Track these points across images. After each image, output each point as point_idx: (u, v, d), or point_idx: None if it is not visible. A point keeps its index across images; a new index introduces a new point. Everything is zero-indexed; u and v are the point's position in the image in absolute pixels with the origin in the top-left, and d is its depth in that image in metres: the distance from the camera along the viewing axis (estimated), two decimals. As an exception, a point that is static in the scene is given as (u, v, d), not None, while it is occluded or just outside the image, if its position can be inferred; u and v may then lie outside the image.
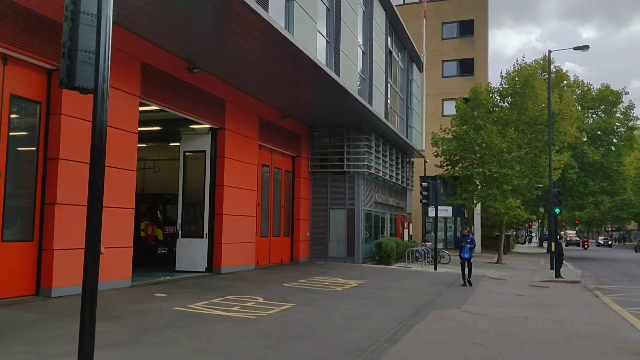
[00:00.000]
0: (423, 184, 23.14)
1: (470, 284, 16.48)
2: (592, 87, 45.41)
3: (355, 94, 18.71)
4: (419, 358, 7.11)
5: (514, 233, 66.50)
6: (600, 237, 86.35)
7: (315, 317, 9.72)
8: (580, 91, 45.76)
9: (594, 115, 44.60)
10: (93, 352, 4.48)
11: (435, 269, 21.37)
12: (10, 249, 9.93)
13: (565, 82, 45.71)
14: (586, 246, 68.09)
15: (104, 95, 4.59)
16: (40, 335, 7.14)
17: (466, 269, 16.62)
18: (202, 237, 16.28)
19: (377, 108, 23.07)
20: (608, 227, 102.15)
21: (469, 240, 16.88)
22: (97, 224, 4.53)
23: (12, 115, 10.04)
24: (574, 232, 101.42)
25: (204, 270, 15.99)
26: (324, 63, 17.30)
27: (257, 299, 11.37)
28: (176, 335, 7.61)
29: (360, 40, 22.00)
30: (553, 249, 22.06)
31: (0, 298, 9.54)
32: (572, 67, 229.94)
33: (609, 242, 78.99)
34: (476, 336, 8.78)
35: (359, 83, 22.00)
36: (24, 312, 8.71)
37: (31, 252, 10.37)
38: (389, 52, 26.68)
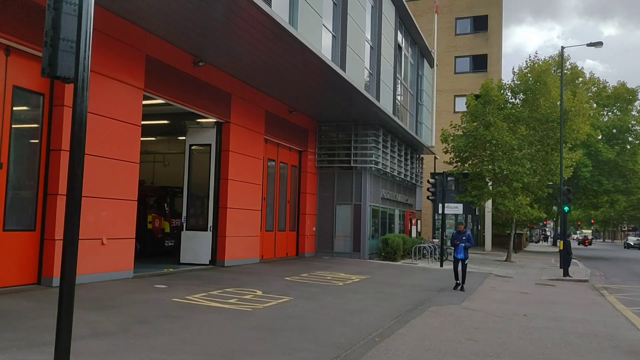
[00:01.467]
0: (430, 180, 23.02)
1: (463, 289, 14.25)
2: (607, 84, 44.74)
3: (361, 89, 18.65)
4: (408, 353, 7.07)
5: (528, 232, 65.96)
6: (631, 237, 74.12)
7: (311, 310, 9.73)
8: (595, 89, 45.13)
9: (609, 113, 43.94)
10: (70, 345, 4.49)
11: (442, 265, 21.27)
12: (13, 238, 10.07)
13: (580, 79, 45.11)
14: (586, 244, 67.97)
15: (84, 84, 4.59)
16: (32, 324, 7.24)
17: (459, 272, 14.47)
18: (206, 230, 16.37)
19: (385, 104, 22.96)
20: (624, 227, 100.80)
21: (464, 238, 14.56)
22: (76, 214, 4.56)
23: (15, 107, 10.15)
24: (589, 231, 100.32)
25: (207, 263, 16.08)
26: (330, 58, 17.28)
27: (256, 292, 11.41)
28: (168, 326, 7.67)
29: (368, 35, 21.90)
30: (562, 248, 21.82)
31: (2, 287, 9.70)
32: (594, 64, 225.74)
33: None
34: (471, 332, 8.72)
35: (367, 78, 21.91)
36: (23, 301, 8.83)
37: (33, 242, 10.51)
38: (398, 48, 26.53)
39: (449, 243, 24.72)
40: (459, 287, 14.41)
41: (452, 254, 15.09)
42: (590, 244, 72.55)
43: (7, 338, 6.40)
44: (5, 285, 9.78)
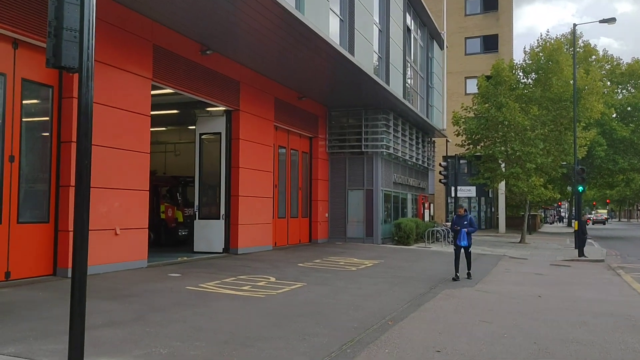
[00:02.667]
0: (442, 163, 22.88)
1: (470, 276, 12.99)
2: (621, 61, 43.96)
3: (370, 73, 18.50)
4: (422, 336, 7.06)
5: (542, 213, 65.50)
6: None
7: (324, 296, 9.74)
8: (609, 66, 44.37)
9: (624, 91, 43.22)
10: (84, 334, 4.54)
11: (455, 248, 21.18)
12: (27, 230, 10.18)
13: (594, 57, 44.35)
14: (588, 223, 68.67)
15: (88, 73, 4.57)
16: (48, 314, 7.33)
17: (460, 261, 12.95)
18: (219, 218, 16.43)
19: (395, 87, 22.78)
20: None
21: (466, 223, 12.97)
22: (84, 204, 4.56)
23: (24, 100, 10.20)
24: (605, 211, 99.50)
25: (221, 251, 16.16)
26: (338, 42, 17.14)
27: (269, 279, 11.45)
28: (182, 314, 7.72)
29: (376, 18, 21.68)
30: (576, 228, 21.64)
31: (18, 278, 9.82)
32: (609, 42, 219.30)
33: None
34: (485, 314, 8.69)
35: (376, 62, 21.73)
36: (39, 292, 8.95)
37: (47, 234, 10.61)
38: (407, 30, 26.24)
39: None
40: (468, 276, 13.02)
41: (453, 241, 13.63)
42: (604, 223, 72.52)
43: (23, 328, 6.49)
44: (22, 277, 9.90)
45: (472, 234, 13.20)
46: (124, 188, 11.93)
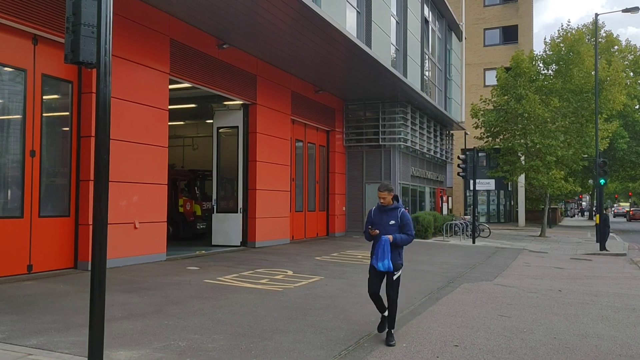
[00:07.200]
0: (460, 156, 22.68)
1: (391, 337, 6.26)
2: (645, 51, 43.02)
3: (388, 65, 18.37)
4: (440, 330, 7.02)
5: (563, 206, 64.66)
6: None
7: (341, 289, 9.74)
8: (632, 56, 43.46)
9: (648, 82, 42.29)
10: (103, 326, 4.60)
11: (474, 242, 21.03)
12: (49, 224, 10.34)
13: (616, 47, 43.48)
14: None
15: (106, 69, 4.61)
16: (69, 306, 7.43)
17: (380, 295, 6.55)
18: (236, 212, 16.52)
19: (413, 80, 22.60)
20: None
21: (392, 223, 6.36)
22: (103, 198, 4.61)
23: (45, 95, 10.33)
24: (627, 204, 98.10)
25: (239, 244, 16.26)
26: (355, 35, 17.04)
27: (287, 272, 11.48)
28: (200, 307, 7.77)
29: (393, 10, 21.50)
30: (597, 222, 21.32)
31: (40, 271, 10.00)
32: (636, 32, 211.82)
33: None
34: (504, 309, 8.60)
35: (393, 55, 21.57)
36: (60, 284, 9.08)
37: (68, 227, 10.77)
38: (425, 22, 26.00)
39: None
40: (386, 326, 6.46)
41: (370, 260, 6.64)
42: (625, 216, 71.95)
43: (45, 320, 6.59)
44: (44, 270, 10.08)
45: (406, 246, 6.57)
46: (142, 182, 12.04)
